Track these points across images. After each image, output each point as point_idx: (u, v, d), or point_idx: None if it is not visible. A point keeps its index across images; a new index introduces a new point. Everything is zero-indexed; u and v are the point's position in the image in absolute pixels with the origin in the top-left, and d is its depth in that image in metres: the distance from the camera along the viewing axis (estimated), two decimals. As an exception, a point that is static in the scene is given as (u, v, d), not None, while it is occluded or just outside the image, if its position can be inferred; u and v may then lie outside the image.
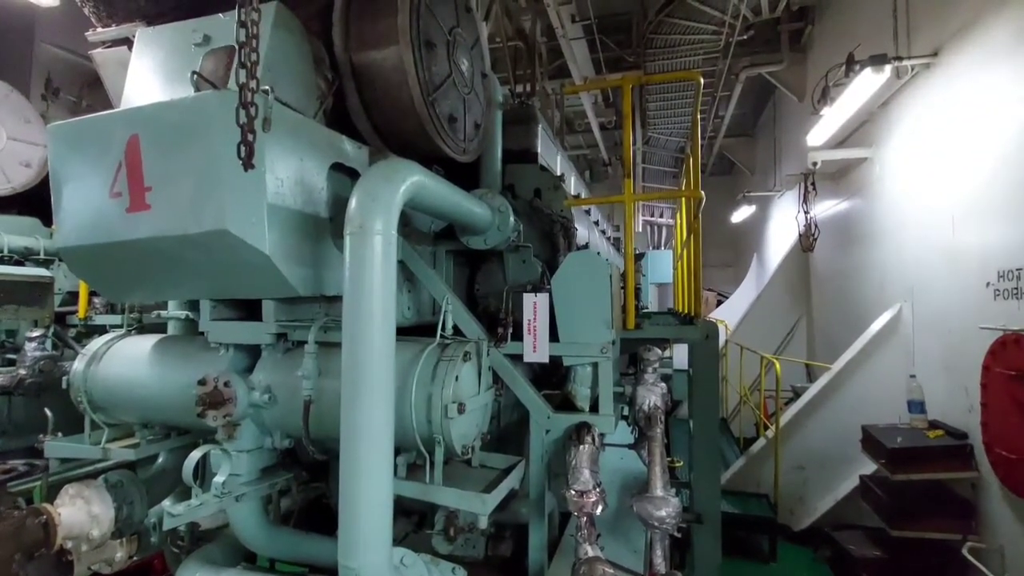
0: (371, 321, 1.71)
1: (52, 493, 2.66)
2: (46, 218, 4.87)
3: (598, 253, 3.01)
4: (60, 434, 3.60)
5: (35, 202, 4.86)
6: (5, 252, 4.25)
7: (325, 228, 2.20)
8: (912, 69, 5.29)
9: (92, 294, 4.24)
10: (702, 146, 13.28)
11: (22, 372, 3.58)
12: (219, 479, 1.97)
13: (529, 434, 2.50)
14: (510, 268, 3.14)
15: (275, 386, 2.13)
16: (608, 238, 6.79)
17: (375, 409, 1.69)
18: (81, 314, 4.20)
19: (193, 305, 2.84)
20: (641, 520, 2.09)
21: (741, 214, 13.41)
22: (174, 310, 2.96)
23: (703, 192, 3.15)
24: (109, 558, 2.70)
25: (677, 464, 4.66)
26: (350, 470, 1.67)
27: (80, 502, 2.43)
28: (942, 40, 4.93)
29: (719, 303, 14.12)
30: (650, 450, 2.21)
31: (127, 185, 1.95)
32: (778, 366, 6.25)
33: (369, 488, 1.67)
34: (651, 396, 2.54)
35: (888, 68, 5.17)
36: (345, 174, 2.37)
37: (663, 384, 2.61)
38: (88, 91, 6.30)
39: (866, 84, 5.38)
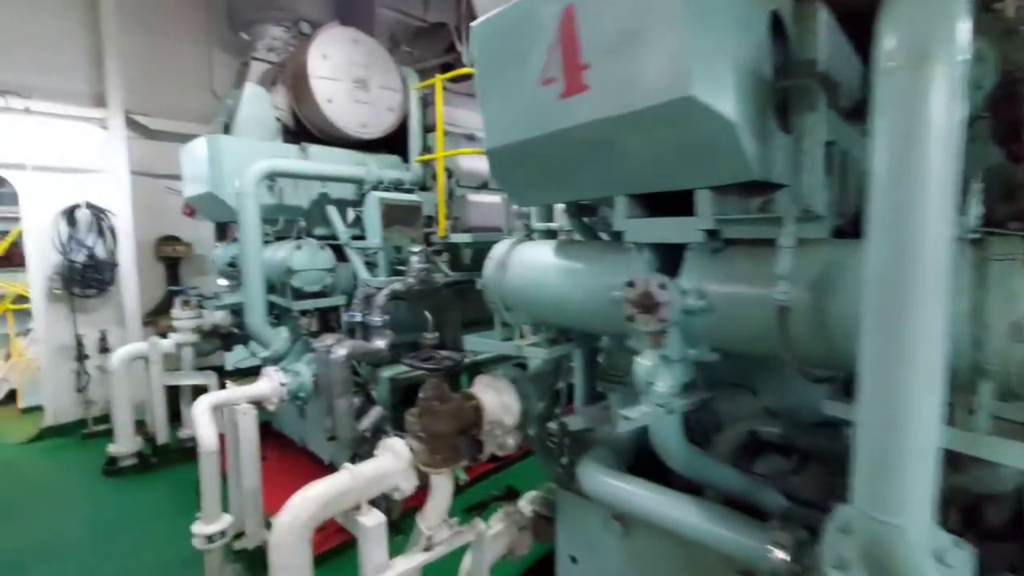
0: (926, 203, 1.19)
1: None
2: (403, 155, 5.79)
3: None
4: (437, 334, 4.24)
5: (396, 142, 5.80)
6: (385, 183, 5.15)
7: (768, 95, 1.74)
8: None
9: (447, 217, 4.86)
10: None
11: (411, 280, 4.29)
12: (661, 388, 1.80)
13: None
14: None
15: (709, 291, 1.83)
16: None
17: (928, 328, 1.20)
18: (441, 233, 4.85)
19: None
20: None
21: None
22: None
23: None
24: (503, 443, 2.99)
25: None
26: (885, 405, 1.24)
27: (492, 392, 2.68)
28: None
29: None
30: None
31: (561, 67, 1.78)
32: None
33: (916, 429, 1.22)
34: None
35: None
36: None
37: None
38: (415, 46, 7.24)
39: None
